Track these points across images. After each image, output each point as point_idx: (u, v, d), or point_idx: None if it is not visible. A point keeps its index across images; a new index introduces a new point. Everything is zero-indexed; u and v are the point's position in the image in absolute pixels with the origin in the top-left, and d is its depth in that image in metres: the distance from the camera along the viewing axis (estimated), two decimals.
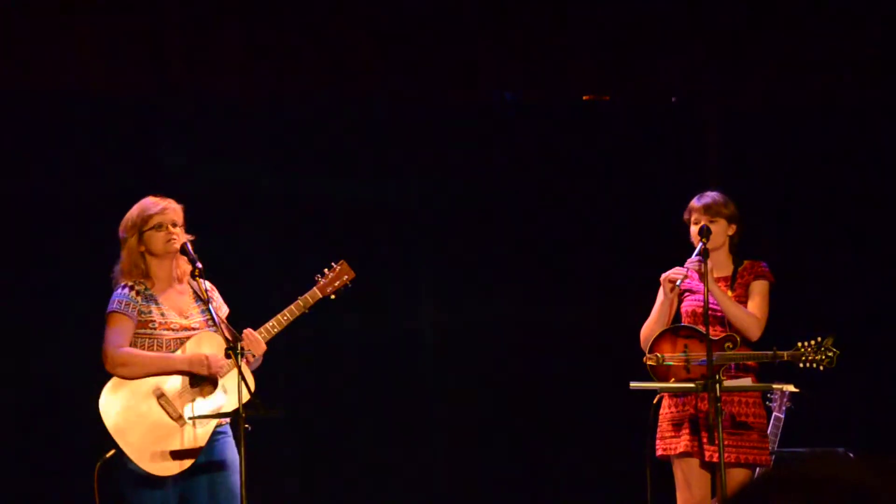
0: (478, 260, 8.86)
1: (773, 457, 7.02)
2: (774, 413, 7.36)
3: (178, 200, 6.31)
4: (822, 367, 6.51)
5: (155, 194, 6.28)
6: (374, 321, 8.66)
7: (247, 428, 5.93)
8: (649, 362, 6.53)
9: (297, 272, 6.65)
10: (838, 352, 6.50)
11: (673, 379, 6.50)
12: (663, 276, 6.59)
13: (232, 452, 6.13)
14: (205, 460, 6.09)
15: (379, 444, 8.66)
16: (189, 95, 8.36)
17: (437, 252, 8.81)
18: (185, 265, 6.22)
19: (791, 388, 6.72)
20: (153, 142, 8.43)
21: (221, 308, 6.32)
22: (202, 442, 6.04)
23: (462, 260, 8.84)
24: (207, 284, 6.29)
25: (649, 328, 6.64)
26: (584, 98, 8.96)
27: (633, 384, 6.43)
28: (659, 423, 6.66)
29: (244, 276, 7.96)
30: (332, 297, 6.36)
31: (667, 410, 6.64)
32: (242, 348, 5.99)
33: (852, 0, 8.88)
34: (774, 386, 6.76)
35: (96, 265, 8.21)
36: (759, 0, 8.89)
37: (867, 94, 8.94)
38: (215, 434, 6.13)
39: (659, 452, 6.64)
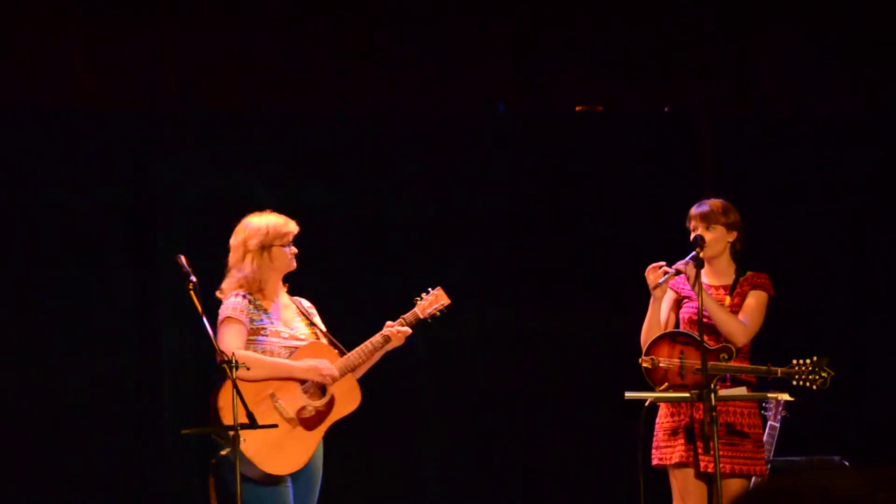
0: (471, 271, 8.85)
1: (769, 466, 7.01)
2: (770, 422, 7.35)
3: (172, 214, 6.43)
4: (815, 387, 6.51)
5: (278, 211, 6.52)
6: (366, 333, 8.64)
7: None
8: (644, 364, 6.55)
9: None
10: (833, 373, 6.49)
11: (667, 384, 6.50)
12: (648, 267, 6.62)
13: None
14: (308, 467, 6.37)
15: (373, 457, 8.65)
16: (183, 109, 8.36)
17: (430, 263, 8.80)
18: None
19: (786, 396, 6.71)
20: (147, 155, 8.42)
21: (320, 325, 6.57)
22: (314, 444, 6.32)
23: (455, 271, 8.83)
24: (307, 303, 6.55)
25: (644, 331, 6.66)
26: (577, 109, 8.97)
27: (627, 394, 6.44)
28: (655, 433, 6.66)
29: None
30: (429, 320, 6.63)
31: (662, 420, 6.64)
32: (237, 362, 6.04)
33: (848, 10, 8.88)
34: (770, 395, 6.75)
35: (88, 278, 8.23)
36: (751, 8, 8.89)
37: (863, 103, 8.95)
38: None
39: (654, 462, 6.64)
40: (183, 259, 6.24)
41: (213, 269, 6.55)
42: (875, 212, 9.07)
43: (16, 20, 7.99)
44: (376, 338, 6.49)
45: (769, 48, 8.88)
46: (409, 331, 6.54)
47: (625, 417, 6.83)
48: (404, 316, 6.57)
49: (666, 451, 6.60)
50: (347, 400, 6.40)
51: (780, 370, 6.49)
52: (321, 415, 6.35)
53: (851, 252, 9.05)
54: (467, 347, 8.82)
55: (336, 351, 6.45)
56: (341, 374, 6.39)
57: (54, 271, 8.21)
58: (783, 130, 9.09)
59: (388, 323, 6.54)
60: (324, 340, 6.48)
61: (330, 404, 6.36)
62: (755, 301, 6.64)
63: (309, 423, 6.33)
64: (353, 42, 8.48)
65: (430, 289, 6.70)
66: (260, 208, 6.60)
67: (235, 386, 5.97)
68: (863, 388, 8.83)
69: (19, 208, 8.20)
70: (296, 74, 8.43)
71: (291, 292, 6.63)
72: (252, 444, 6.14)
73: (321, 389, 6.36)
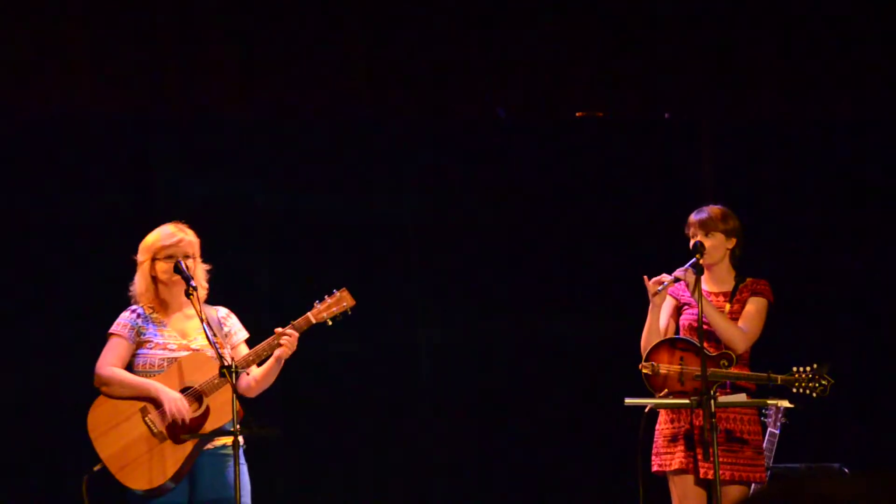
0: (472, 277, 8.86)
1: (769, 473, 7.01)
2: (769, 429, 7.35)
3: (172, 218, 6.42)
4: (815, 395, 6.50)
5: (178, 221, 6.46)
6: (369, 338, 8.66)
7: (242, 446, 6.03)
8: (644, 370, 6.55)
9: (292, 289, 6.67)
10: (833, 381, 6.49)
11: (667, 390, 6.50)
12: (649, 281, 6.60)
13: (229, 474, 6.24)
14: (204, 479, 6.24)
15: (376, 461, 8.65)
16: (184, 113, 8.37)
17: (432, 269, 8.81)
18: (201, 292, 6.40)
19: (786, 403, 6.70)
20: (147, 160, 8.43)
21: (238, 333, 6.46)
22: (182, 456, 6.20)
23: (457, 277, 8.84)
24: (223, 311, 6.49)
25: (644, 337, 6.66)
26: (578, 115, 8.97)
27: (627, 400, 6.44)
28: (654, 439, 6.66)
29: (238, 294, 7.96)
30: (329, 322, 6.42)
31: (662, 426, 6.63)
32: (236, 369, 6.05)
33: (846, 15, 8.89)
34: (769, 401, 6.73)
35: (93, 281, 8.23)
36: (752, 15, 8.90)
37: (862, 109, 8.95)
38: (216, 454, 6.29)
39: (654, 468, 6.64)
40: (183, 264, 6.26)
41: (213, 273, 6.55)
42: (875, 218, 9.06)
43: (18, 25, 8.00)
44: (260, 346, 6.31)
45: (769, 55, 8.88)
46: (295, 336, 6.27)
47: (624, 423, 6.83)
48: (295, 321, 6.34)
49: (665, 457, 6.60)
50: (224, 410, 6.23)
51: (779, 377, 6.49)
52: (194, 426, 6.25)
53: (852, 259, 9.05)
54: (467, 352, 8.82)
55: (215, 361, 6.24)
56: (220, 386, 6.24)
57: (54, 275, 8.21)
58: (783, 137, 9.09)
59: (277, 329, 6.32)
60: (220, 352, 6.25)
61: (205, 415, 6.26)
62: (755, 308, 6.63)
63: (178, 436, 6.22)
64: (352, 47, 8.49)
65: (334, 290, 6.45)
66: (257, 211, 6.62)
67: (235, 391, 6.00)
68: (862, 395, 8.83)
69: (20, 212, 8.21)
70: (295, 79, 8.43)
71: (290, 292, 6.61)
72: (113, 457, 6.20)
73: (198, 399, 6.25)
